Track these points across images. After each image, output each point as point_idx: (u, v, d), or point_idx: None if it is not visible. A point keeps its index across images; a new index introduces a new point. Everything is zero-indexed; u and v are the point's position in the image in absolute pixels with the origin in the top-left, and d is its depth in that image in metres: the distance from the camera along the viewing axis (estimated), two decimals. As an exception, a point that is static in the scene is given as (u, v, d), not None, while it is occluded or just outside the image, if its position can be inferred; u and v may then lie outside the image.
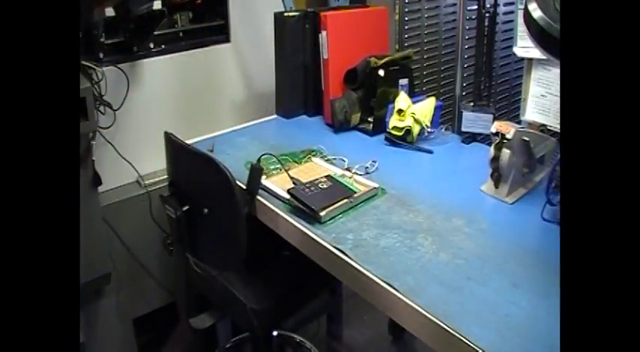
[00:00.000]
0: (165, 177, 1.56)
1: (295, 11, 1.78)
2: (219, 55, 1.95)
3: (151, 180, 1.73)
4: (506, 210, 1.21)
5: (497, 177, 1.24)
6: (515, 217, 1.18)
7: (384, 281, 0.97)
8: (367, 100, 1.61)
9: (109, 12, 1.64)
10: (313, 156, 1.45)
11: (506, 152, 1.21)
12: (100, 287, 1.66)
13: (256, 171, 1.30)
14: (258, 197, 1.29)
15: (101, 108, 1.57)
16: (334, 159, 1.43)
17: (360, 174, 1.33)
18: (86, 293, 1.64)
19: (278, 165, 1.37)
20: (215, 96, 1.95)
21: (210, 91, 1.94)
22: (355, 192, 1.23)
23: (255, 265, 1.44)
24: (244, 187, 1.31)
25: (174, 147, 1.45)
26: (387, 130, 1.51)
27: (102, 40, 1.69)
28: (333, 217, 1.17)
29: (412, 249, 1.06)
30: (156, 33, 1.80)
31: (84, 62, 1.50)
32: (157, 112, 1.83)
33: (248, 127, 1.72)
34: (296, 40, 1.72)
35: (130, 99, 1.70)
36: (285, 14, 1.74)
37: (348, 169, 1.36)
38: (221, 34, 1.98)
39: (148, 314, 1.85)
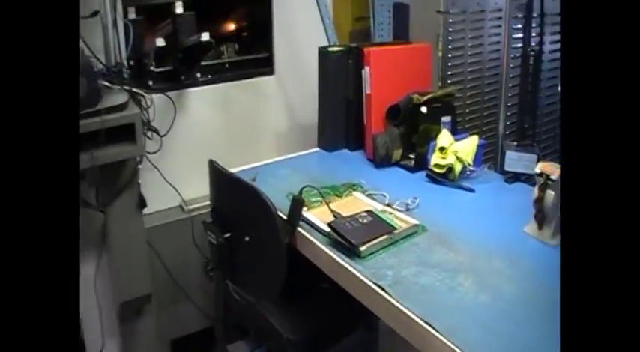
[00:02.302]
0: (208, 203, 1.59)
1: (339, 46, 1.83)
2: (264, 86, 2.00)
3: (194, 206, 1.77)
4: (550, 252, 1.20)
5: (540, 219, 1.23)
6: (559, 260, 1.17)
7: (423, 320, 0.97)
8: (409, 137, 1.62)
9: (160, 42, 1.70)
10: (354, 190, 1.47)
11: (550, 193, 1.20)
12: (140, 307, 1.69)
13: (298, 203, 1.32)
14: (299, 228, 1.31)
15: (149, 133, 1.62)
16: (375, 194, 1.44)
17: (401, 211, 1.34)
18: (127, 311, 1.68)
19: (319, 198, 1.39)
20: (258, 127, 1.99)
21: (254, 122, 1.99)
22: (396, 229, 1.23)
23: (293, 296, 1.45)
24: (285, 218, 1.33)
25: (218, 175, 1.49)
26: (429, 167, 1.52)
27: (152, 68, 1.76)
28: (372, 252, 1.18)
29: (452, 289, 1.06)
30: (203, 63, 1.87)
31: (134, 89, 1.56)
32: (201, 140, 1.89)
33: (290, 159, 1.75)
34: (339, 74, 1.76)
35: (177, 126, 1.76)
36: (329, 49, 1.78)
37: (389, 205, 1.37)
38: (266, 66, 2.04)
39: (186, 336, 1.88)
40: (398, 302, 1.02)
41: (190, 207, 1.77)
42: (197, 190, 1.78)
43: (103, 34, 1.59)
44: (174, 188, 1.75)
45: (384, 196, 1.43)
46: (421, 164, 1.58)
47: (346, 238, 1.18)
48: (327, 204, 1.34)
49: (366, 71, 1.67)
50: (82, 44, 1.59)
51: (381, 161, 1.61)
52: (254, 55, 2.07)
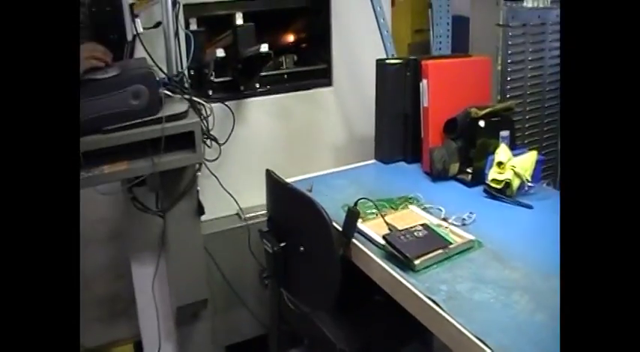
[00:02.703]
0: (265, 212, 1.62)
1: (397, 58, 1.83)
2: (321, 97, 2.03)
3: (251, 214, 1.81)
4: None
5: (600, 239, 1.20)
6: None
7: (477, 337, 0.96)
8: (466, 151, 1.60)
9: (220, 52, 1.75)
10: (410, 203, 1.47)
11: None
12: (196, 312, 1.73)
13: (353, 215, 1.33)
14: (354, 240, 1.32)
15: (208, 141, 1.65)
16: (431, 207, 1.44)
17: (457, 225, 1.33)
18: (183, 315, 1.72)
19: (374, 210, 1.40)
20: (315, 138, 2.02)
21: (311, 133, 2.01)
22: (451, 243, 1.23)
23: (347, 307, 1.46)
24: (340, 229, 1.34)
25: (275, 185, 1.52)
26: (486, 182, 1.51)
27: (212, 78, 1.81)
28: (427, 266, 1.18)
29: (507, 306, 1.04)
30: (262, 74, 1.90)
31: (194, 98, 1.59)
32: (259, 149, 1.93)
33: (346, 170, 1.76)
34: (397, 87, 1.76)
35: (235, 135, 1.80)
36: (387, 61, 1.78)
37: (444, 219, 1.36)
38: (324, 77, 2.06)
39: (240, 343, 1.92)
40: (451, 317, 1.02)
41: (247, 215, 1.81)
42: (254, 199, 1.81)
43: (165, 44, 1.63)
44: (232, 196, 1.79)
45: (440, 210, 1.42)
46: (478, 179, 1.56)
47: (401, 251, 1.19)
48: (383, 216, 1.35)
49: (424, 84, 1.66)
50: (144, 53, 1.65)
51: (437, 175, 1.60)
52: (312, 67, 2.09)
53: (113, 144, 1.37)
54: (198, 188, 1.63)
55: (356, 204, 1.34)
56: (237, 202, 1.80)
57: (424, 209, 1.44)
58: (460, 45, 2.09)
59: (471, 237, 1.26)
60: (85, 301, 2.51)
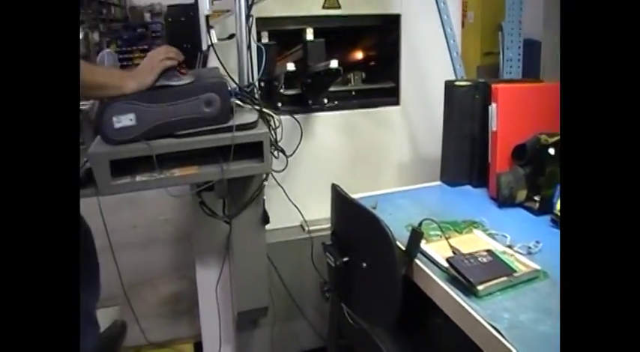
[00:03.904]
0: (328, 225, 1.65)
1: (466, 80, 1.83)
2: (388, 116, 2.05)
3: (315, 227, 1.85)
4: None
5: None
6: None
7: (539, 369, 0.96)
8: (535, 178, 1.59)
9: (290, 66, 1.78)
10: (475, 227, 1.47)
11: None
12: (257, 319, 1.78)
13: (417, 235, 1.34)
14: (416, 260, 1.33)
15: (275, 152, 1.69)
16: (496, 234, 1.43)
17: (522, 254, 1.32)
18: (244, 321, 1.77)
19: (438, 232, 1.41)
20: (381, 156, 2.04)
21: (377, 150, 2.04)
22: (516, 271, 1.22)
23: (406, 326, 1.47)
24: (403, 248, 1.36)
25: (340, 200, 1.54)
26: (554, 212, 1.49)
27: (281, 91, 1.86)
28: (490, 293, 1.18)
29: (573, 341, 1.04)
30: (330, 89, 1.94)
31: (264, 109, 1.64)
32: (325, 163, 1.97)
33: (411, 190, 1.77)
34: (465, 109, 1.76)
35: (302, 148, 1.84)
36: (456, 83, 1.78)
37: (509, 246, 1.36)
38: (391, 96, 2.09)
39: (298, 353, 1.95)
40: (514, 347, 1.01)
41: (311, 227, 1.84)
42: (318, 212, 1.86)
43: (238, 56, 1.68)
44: (297, 207, 1.83)
45: (505, 237, 1.42)
46: (546, 207, 1.54)
47: (464, 275, 1.19)
48: (447, 239, 1.36)
49: (493, 108, 1.66)
50: (217, 63, 1.70)
51: (504, 200, 1.60)
52: (380, 85, 2.12)
53: (185, 149, 1.43)
54: (265, 197, 1.68)
55: (420, 224, 1.36)
56: (301, 214, 1.84)
57: (489, 234, 1.43)
58: (531, 69, 2.07)
59: (537, 267, 1.25)
60: (149, 298, 2.63)
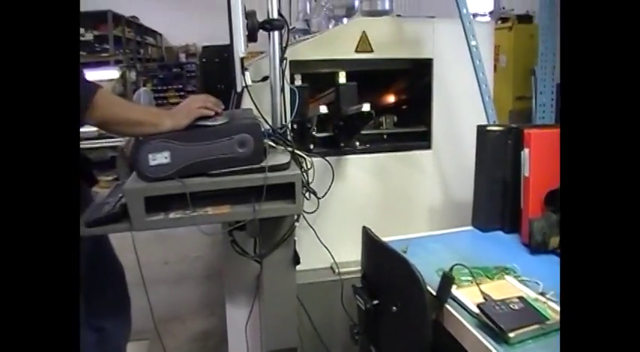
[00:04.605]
0: (359, 268, 1.65)
1: (498, 125, 1.83)
2: (420, 160, 2.06)
3: (345, 269, 1.85)
4: None
5: None
6: None
7: None
8: (568, 224, 1.58)
9: (323, 109, 1.84)
10: (506, 274, 1.46)
11: None
12: (285, 359, 1.77)
13: (448, 280, 1.34)
14: (447, 305, 1.33)
15: (307, 194, 1.71)
16: (528, 281, 1.42)
17: (555, 301, 1.31)
18: (272, 361, 1.77)
19: (469, 278, 1.40)
20: (412, 199, 2.05)
21: (408, 194, 2.04)
22: (548, 319, 1.21)
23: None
24: (434, 293, 1.36)
25: (371, 243, 1.55)
26: (587, 259, 1.47)
27: (314, 133, 1.89)
28: (522, 341, 1.16)
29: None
30: (362, 132, 1.97)
31: (297, 151, 1.67)
32: (356, 206, 1.98)
33: (442, 235, 1.77)
34: (497, 154, 1.76)
35: (334, 189, 1.86)
36: (488, 128, 1.79)
37: (542, 294, 1.34)
38: (423, 140, 2.10)
39: (327, 395, 1.92)
40: (546, 396, 1.01)
41: (341, 269, 1.85)
42: (349, 254, 1.85)
43: (272, 98, 1.73)
44: (327, 249, 1.84)
45: (538, 284, 1.40)
46: (579, 255, 1.52)
47: (495, 322, 1.18)
48: (478, 284, 1.35)
49: (525, 153, 1.66)
50: (251, 104, 1.74)
51: (536, 247, 1.58)
52: (412, 128, 2.14)
53: (218, 188, 1.46)
54: (296, 238, 1.69)
55: (452, 269, 1.35)
56: (332, 256, 1.85)
57: (521, 281, 1.42)
58: (564, 114, 2.07)
59: (570, 315, 1.24)
60: (178, 334, 2.65)
